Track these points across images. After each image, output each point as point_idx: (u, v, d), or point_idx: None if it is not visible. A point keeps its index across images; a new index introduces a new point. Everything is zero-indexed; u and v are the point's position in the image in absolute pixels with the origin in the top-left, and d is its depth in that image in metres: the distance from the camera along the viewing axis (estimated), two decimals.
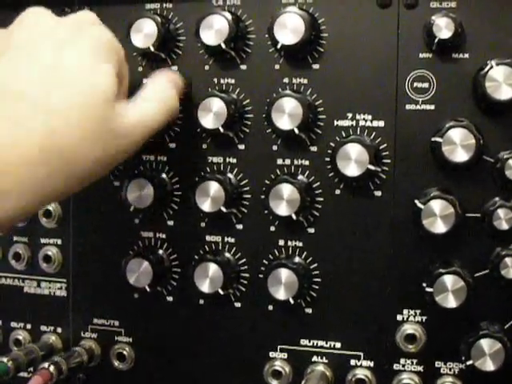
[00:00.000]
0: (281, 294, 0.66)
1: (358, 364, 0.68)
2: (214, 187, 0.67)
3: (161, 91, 0.66)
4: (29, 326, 0.79)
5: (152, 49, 0.69)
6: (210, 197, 0.67)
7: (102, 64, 0.59)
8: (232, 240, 0.71)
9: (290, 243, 0.69)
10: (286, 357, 0.70)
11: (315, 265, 0.68)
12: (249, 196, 0.69)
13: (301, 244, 0.69)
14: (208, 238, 0.71)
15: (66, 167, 0.54)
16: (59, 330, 0.77)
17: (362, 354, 0.68)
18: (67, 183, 0.55)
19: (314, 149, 0.67)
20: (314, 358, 0.69)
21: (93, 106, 0.56)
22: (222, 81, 0.70)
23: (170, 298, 0.73)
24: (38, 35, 0.59)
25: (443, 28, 0.61)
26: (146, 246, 0.73)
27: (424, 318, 0.66)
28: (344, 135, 0.66)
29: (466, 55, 0.64)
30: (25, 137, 0.51)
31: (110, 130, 0.57)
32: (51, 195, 0.55)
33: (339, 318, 0.68)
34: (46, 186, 0.53)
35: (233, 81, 0.69)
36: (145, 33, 0.69)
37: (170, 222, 0.72)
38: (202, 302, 0.72)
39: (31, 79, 0.55)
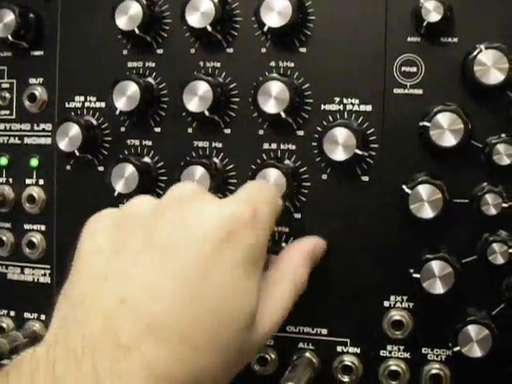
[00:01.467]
0: None
1: (345, 350, 0.67)
2: (199, 172, 0.66)
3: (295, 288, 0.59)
4: (12, 313, 0.78)
5: (137, 31, 0.68)
6: (195, 181, 0.66)
7: (249, 278, 0.51)
8: None
9: (276, 229, 0.68)
10: (272, 343, 0.69)
11: None
12: (235, 181, 0.69)
13: (287, 229, 0.68)
14: None
15: None
16: (43, 317, 0.76)
17: (348, 341, 0.67)
18: None
19: (300, 133, 0.67)
20: (301, 345, 0.69)
21: (227, 335, 0.48)
22: (207, 64, 0.69)
23: None
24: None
25: (432, 11, 0.61)
26: None
27: (411, 304, 0.65)
28: (331, 119, 0.65)
29: (455, 39, 0.63)
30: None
31: (240, 353, 0.50)
32: None
33: (326, 305, 0.68)
34: None
35: (219, 64, 0.69)
36: (130, 15, 0.67)
37: None
38: None
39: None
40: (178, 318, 0.46)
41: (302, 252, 0.62)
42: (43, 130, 0.75)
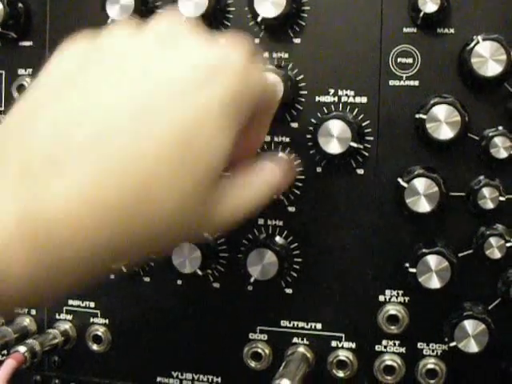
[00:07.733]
0: (260, 275, 0.65)
1: (340, 345, 0.67)
2: None
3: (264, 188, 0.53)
4: None
5: None
6: None
7: (224, 130, 0.45)
8: None
9: (269, 222, 0.67)
10: (265, 338, 0.69)
11: (296, 244, 0.67)
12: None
13: (281, 223, 0.67)
14: None
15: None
16: (33, 311, 0.75)
17: (343, 335, 0.67)
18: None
19: (294, 125, 0.66)
20: (295, 340, 0.68)
21: (184, 176, 0.43)
22: None
23: (147, 279, 0.71)
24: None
25: (428, 1, 0.60)
26: None
27: (407, 298, 0.65)
28: (326, 111, 0.64)
29: (452, 30, 0.62)
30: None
31: (190, 212, 0.45)
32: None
33: (320, 299, 0.67)
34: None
35: None
36: (121, 4, 0.66)
37: None
38: (179, 282, 0.70)
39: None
40: (126, 149, 0.41)
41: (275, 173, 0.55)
42: None
